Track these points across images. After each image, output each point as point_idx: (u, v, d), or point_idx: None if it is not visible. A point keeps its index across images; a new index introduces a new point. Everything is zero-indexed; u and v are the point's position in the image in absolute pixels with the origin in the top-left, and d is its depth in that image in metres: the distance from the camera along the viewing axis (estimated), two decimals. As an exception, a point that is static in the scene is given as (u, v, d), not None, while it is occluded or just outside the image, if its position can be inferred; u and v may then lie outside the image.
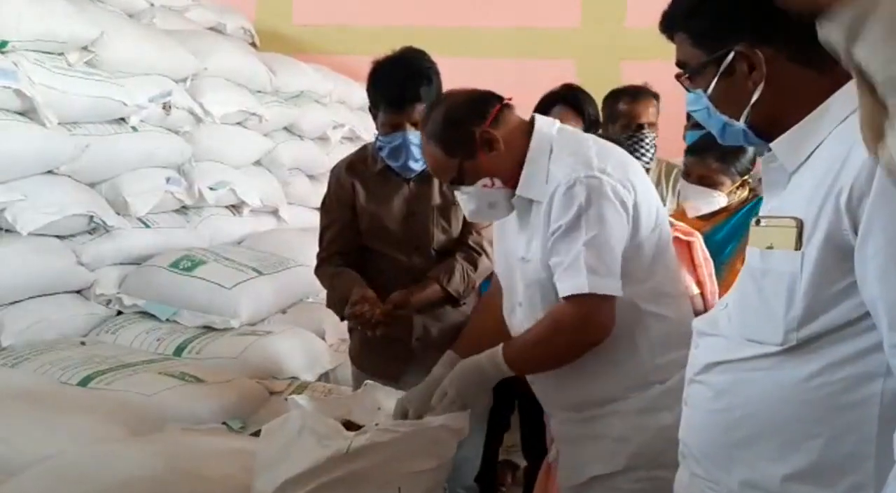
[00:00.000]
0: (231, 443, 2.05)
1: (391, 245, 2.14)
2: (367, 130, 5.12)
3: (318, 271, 2.26)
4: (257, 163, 4.05)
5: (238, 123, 3.84)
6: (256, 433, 2.42)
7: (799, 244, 1.01)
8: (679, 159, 3.19)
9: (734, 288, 1.17)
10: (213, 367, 2.65)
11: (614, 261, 1.52)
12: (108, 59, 3.00)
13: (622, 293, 1.52)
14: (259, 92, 4.01)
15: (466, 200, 1.67)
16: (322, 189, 4.48)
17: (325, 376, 3.04)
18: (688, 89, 1.19)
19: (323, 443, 1.51)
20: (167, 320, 2.98)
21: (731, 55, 1.11)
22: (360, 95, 5.13)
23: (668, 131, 3.05)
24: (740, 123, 1.13)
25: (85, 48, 2.90)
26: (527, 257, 1.63)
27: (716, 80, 1.13)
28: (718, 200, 2.27)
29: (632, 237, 1.55)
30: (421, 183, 2.14)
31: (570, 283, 1.51)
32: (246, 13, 5.46)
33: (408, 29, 5.73)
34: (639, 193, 1.57)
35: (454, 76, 6.33)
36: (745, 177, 2.29)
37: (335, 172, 2.26)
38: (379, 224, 2.15)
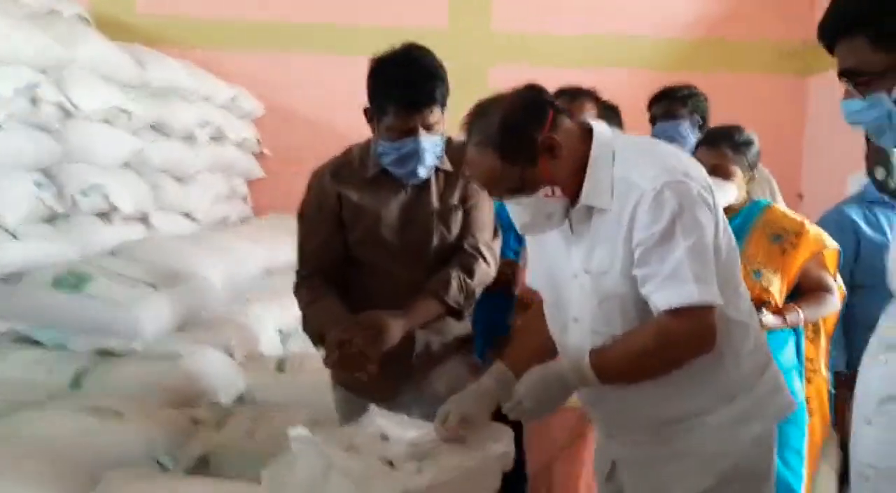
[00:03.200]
0: (193, 488, 1.78)
1: (386, 256, 1.96)
2: (233, 130, 4.79)
3: (297, 291, 2.04)
4: (125, 164, 3.64)
5: (105, 121, 3.43)
6: (192, 469, 2.16)
7: None
8: None
9: None
10: (125, 398, 2.33)
11: (713, 267, 1.44)
12: (-35, 45, 2.57)
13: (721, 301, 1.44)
14: (126, 86, 3.62)
15: (521, 211, 1.53)
16: (191, 192, 4.25)
17: (239, 399, 2.78)
18: (862, 95, 1.11)
19: (364, 486, 1.31)
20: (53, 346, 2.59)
21: None
22: (224, 92, 4.80)
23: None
24: None
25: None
26: (591, 269, 1.52)
27: None
28: (731, 192, 2.26)
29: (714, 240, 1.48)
30: (418, 188, 1.97)
31: (675, 292, 1.40)
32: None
33: (266, 24, 5.44)
34: (715, 195, 1.51)
35: (316, 74, 6.12)
36: (753, 171, 2.30)
37: (318, 179, 2.01)
38: (374, 234, 1.95)
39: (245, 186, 5.16)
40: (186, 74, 4.25)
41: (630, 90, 5.35)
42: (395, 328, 1.82)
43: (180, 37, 5.35)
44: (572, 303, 1.57)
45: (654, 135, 2.90)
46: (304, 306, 2.00)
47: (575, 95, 2.82)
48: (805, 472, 2.37)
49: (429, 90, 1.83)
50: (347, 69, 5.42)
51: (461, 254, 1.96)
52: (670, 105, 2.96)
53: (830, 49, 1.15)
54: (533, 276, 1.70)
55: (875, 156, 2.50)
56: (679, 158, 1.52)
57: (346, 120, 5.36)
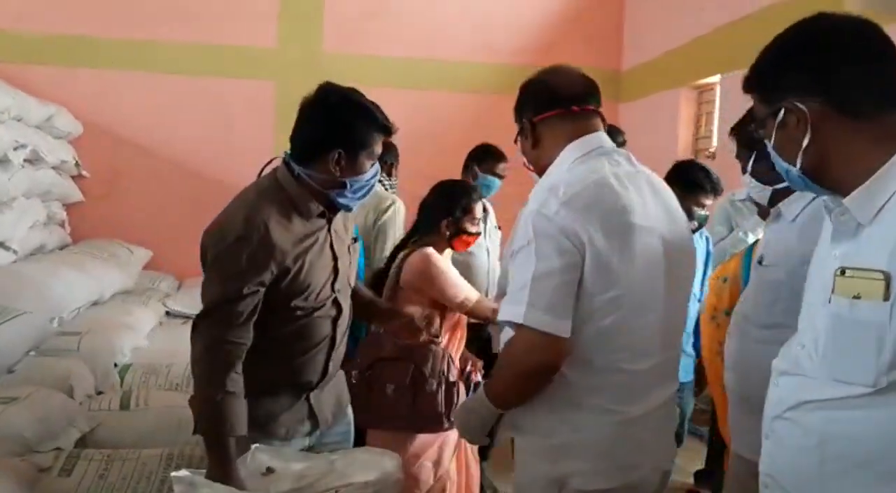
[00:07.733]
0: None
1: (324, 298, 1.88)
2: (51, 152, 4.49)
3: (222, 362, 1.70)
4: (-67, 192, 3.34)
5: None
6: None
7: (887, 295, 1.09)
8: None
9: (808, 328, 1.25)
10: (-40, 450, 2.15)
11: (551, 296, 1.48)
12: None
13: (566, 334, 1.48)
14: (-70, 107, 3.33)
15: None
16: (6, 219, 3.92)
17: (81, 441, 2.62)
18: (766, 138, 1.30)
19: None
20: None
21: (782, 109, 1.23)
22: (39, 111, 4.49)
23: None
24: (795, 170, 1.25)
25: None
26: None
27: (774, 131, 1.26)
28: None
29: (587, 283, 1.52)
30: (334, 223, 1.94)
31: (509, 309, 1.51)
32: None
33: (84, 38, 5.17)
34: (596, 242, 1.51)
35: (141, 92, 5.82)
36: None
37: (257, 225, 1.74)
38: (316, 279, 1.85)
39: (63, 211, 4.86)
40: (-2, 92, 3.95)
41: (451, 111, 5.61)
42: None
43: (-2, 51, 4.98)
44: None
45: None
46: (222, 392, 1.67)
47: None
48: None
49: None
50: (173, 87, 5.32)
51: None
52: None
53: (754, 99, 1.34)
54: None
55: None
56: (576, 199, 1.53)
57: (171, 140, 5.26)
